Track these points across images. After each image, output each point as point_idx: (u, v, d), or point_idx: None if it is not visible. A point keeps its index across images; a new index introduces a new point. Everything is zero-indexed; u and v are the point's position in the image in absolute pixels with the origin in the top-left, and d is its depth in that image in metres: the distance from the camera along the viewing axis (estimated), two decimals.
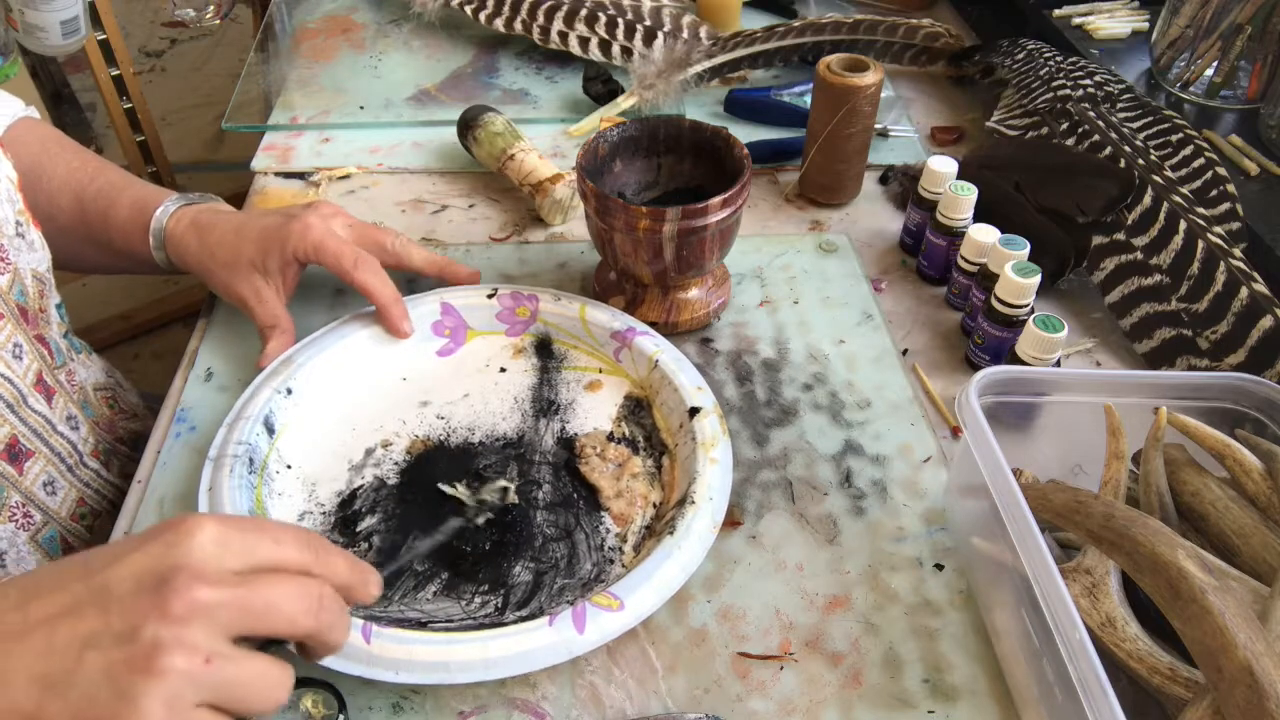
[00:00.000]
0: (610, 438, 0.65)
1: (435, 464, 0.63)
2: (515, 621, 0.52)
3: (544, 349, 0.71)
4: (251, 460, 0.60)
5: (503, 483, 0.61)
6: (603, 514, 0.60)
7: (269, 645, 0.42)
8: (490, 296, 0.71)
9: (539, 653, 0.50)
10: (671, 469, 0.62)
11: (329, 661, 0.49)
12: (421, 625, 0.53)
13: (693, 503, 0.57)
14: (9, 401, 0.60)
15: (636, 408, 0.67)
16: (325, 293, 0.76)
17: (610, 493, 0.61)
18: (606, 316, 0.70)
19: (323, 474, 0.62)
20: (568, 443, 0.64)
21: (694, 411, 0.63)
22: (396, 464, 0.63)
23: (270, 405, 0.63)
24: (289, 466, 0.62)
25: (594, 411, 0.67)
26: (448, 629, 0.53)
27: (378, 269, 0.68)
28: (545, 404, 0.67)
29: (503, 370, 0.70)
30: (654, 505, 0.61)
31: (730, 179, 0.68)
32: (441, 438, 0.65)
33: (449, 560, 0.57)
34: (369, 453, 0.63)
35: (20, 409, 0.61)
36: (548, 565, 0.57)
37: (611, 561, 0.58)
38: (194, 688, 0.35)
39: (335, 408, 0.66)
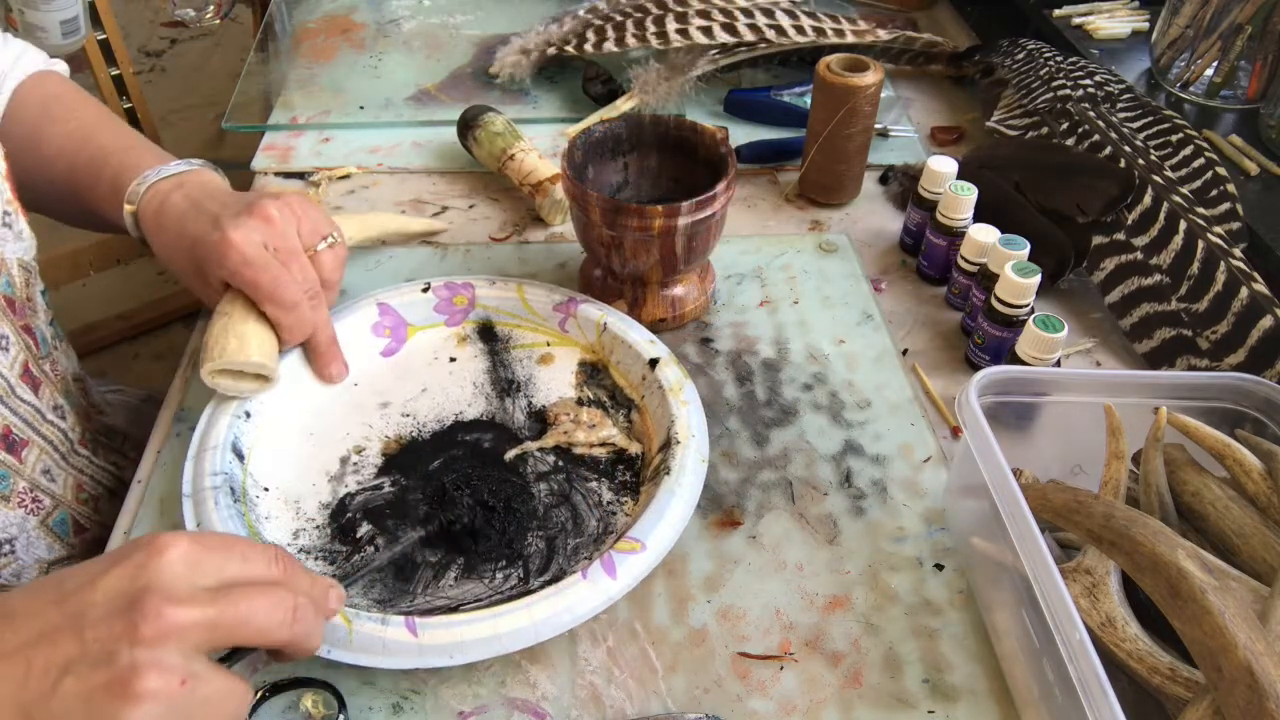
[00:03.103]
0: (580, 403, 0.67)
1: (414, 458, 0.63)
2: (543, 586, 0.53)
3: (487, 333, 0.72)
4: (233, 489, 0.58)
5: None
6: (594, 474, 0.62)
7: (235, 653, 0.42)
8: (425, 290, 0.71)
9: (580, 605, 0.52)
10: (643, 421, 0.65)
11: (382, 660, 0.49)
12: (454, 610, 0.54)
13: (679, 442, 0.60)
14: None
15: (594, 371, 0.69)
16: None
17: (594, 440, 0.64)
18: (545, 291, 0.71)
19: (303, 490, 0.61)
20: (539, 415, 0.66)
21: (654, 362, 0.66)
22: (376, 466, 0.63)
23: (234, 431, 0.61)
24: (266, 489, 0.61)
25: (553, 382, 0.69)
26: (478, 607, 0.53)
27: (313, 307, 0.62)
28: (505, 384, 0.69)
29: (453, 360, 0.70)
30: (638, 457, 0.63)
31: (710, 166, 0.69)
32: (413, 434, 0.65)
33: (457, 546, 0.58)
34: (344, 461, 0.63)
35: (9, 399, 0.61)
36: (556, 530, 0.59)
37: (614, 514, 0.60)
38: (169, 709, 0.36)
39: (295, 424, 0.65)
